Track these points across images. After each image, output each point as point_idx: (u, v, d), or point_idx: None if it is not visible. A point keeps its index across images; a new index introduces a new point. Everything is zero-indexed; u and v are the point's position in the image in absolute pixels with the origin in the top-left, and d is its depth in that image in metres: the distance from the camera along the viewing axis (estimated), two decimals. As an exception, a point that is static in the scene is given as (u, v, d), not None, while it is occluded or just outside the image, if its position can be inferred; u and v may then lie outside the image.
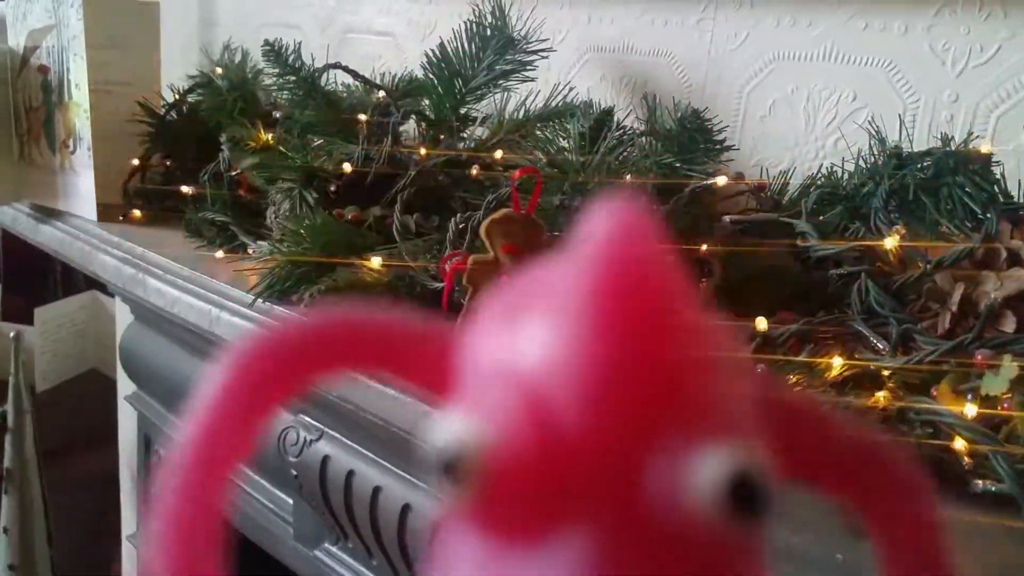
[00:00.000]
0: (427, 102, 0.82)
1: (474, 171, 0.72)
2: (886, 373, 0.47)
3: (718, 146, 0.61)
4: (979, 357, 0.43)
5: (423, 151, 0.74)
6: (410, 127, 0.85)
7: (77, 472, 1.93)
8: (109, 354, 1.87)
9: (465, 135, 0.79)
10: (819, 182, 0.61)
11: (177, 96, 0.95)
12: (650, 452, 0.13)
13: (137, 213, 1.01)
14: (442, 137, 0.78)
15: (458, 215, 0.64)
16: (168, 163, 0.95)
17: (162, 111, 0.97)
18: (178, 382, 0.97)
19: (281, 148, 0.77)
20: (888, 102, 0.69)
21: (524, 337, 0.15)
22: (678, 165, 0.60)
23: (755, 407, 0.15)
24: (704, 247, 0.58)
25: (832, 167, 0.67)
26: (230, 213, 0.83)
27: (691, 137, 0.60)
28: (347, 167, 0.73)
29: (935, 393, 0.44)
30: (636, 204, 0.15)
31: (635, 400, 0.13)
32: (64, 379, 2.02)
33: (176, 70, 1.14)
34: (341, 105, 0.81)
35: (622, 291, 0.14)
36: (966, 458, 0.42)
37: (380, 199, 0.74)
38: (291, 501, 0.89)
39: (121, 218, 0.98)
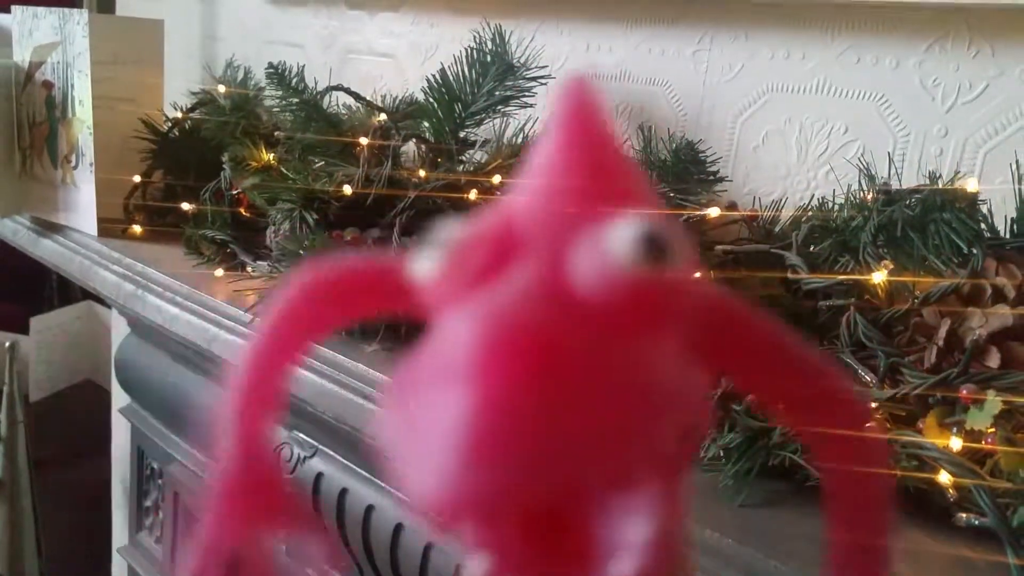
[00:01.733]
0: (427, 125, 0.84)
1: (472, 195, 0.73)
2: (873, 405, 0.48)
3: (711, 177, 0.62)
4: (964, 392, 0.44)
5: (422, 174, 0.75)
6: (409, 149, 0.87)
7: (69, 483, 1.93)
8: (104, 365, 1.88)
9: (464, 159, 0.80)
10: (810, 214, 0.62)
11: (180, 114, 0.96)
12: (577, 226, 0.17)
13: (137, 229, 1.02)
14: (440, 160, 0.79)
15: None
16: (169, 180, 0.96)
17: (164, 128, 0.98)
18: (173, 396, 0.97)
19: (282, 169, 0.78)
20: (879, 135, 0.71)
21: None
22: (672, 195, 0.61)
23: (692, 300, 0.17)
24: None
25: (823, 199, 0.68)
26: (230, 231, 0.84)
27: (685, 168, 0.61)
28: (347, 189, 0.74)
29: (921, 426, 0.45)
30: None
31: (570, 192, 0.17)
32: (58, 389, 2.02)
33: (178, 84, 1.15)
34: (342, 127, 0.82)
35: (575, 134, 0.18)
36: (951, 491, 0.43)
37: (379, 221, 0.75)
38: (284, 518, 0.89)
39: (121, 233, 0.99)
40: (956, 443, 0.43)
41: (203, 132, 0.92)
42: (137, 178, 0.98)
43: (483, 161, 0.77)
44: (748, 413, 0.48)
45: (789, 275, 0.54)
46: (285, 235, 0.75)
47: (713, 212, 0.59)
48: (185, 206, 0.90)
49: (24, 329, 1.91)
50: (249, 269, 0.77)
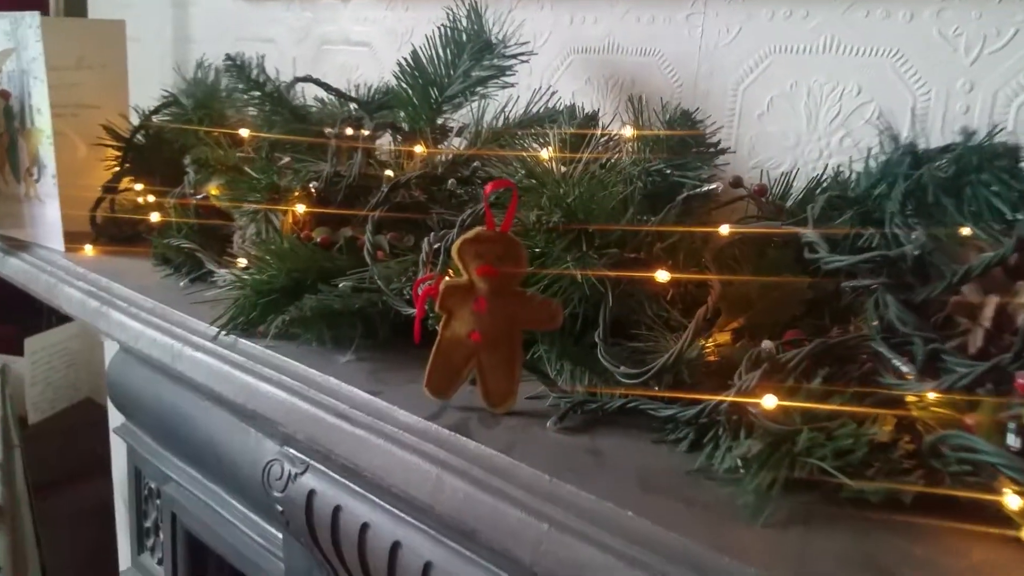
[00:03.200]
0: (403, 114, 0.77)
1: (450, 185, 0.67)
2: (912, 400, 0.41)
3: (711, 149, 0.55)
4: (1021, 380, 0.37)
5: (398, 166, 0.69)
6: (386, 141, 0.80)
7: (72, 504, 1.88)
8: (103, 382, 1.82)
9: (442, 148, 0.73)
10: (825, 184, 0.56)
11: (143, 117, 0.90)
12: None
13: (107, 242, 0.96)
14: (417, 150, 0.73)
15: (432, 234, 0.59)
16: (137, 188, 0.90)
17: (128, 134, 0.92)
18: (167, 414, 0.92)
19: (246, 169, 0.72)
20: (896, 95, 0.64)
21: None
22: (668, 171, 0.55)
23: None
24: (701, 261, 0.53)
25: (839, 168, 0.61)
26: (197, 239, 0.78)
27: (681, 140, 0.55)
28: (315, 187, 0.68)
29: (970, 423, 0.39)
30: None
31: None
32: (57, 409, 1.97)
33: (152, 90, 1.09)
34: (311, 120, 0.76)
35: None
36: (1015, 499, 0.36)
37: (352, 219, 0.69)
38: (280, 535, 0.84)
39: (90, 247, 0.94)
40: (1015, 441, 0.37)
41: (166, 135, 0.86)
42: (100, 189, 0.92)
43: (462, 148, 0.71)
44: (768, 416, 0.42)
45: (807, 254, 0.47)
46: (252, 239, 0.69)
47: (715, 186, 0.52)
48: (151, 215, 0.84)
49: (19, 350, 1.86)
50: (216, 278, 0.71)
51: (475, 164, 0.66)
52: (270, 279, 0.64)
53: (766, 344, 0.44)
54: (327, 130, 0.69)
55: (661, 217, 0.51)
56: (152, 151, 0.91)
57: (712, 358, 0.48)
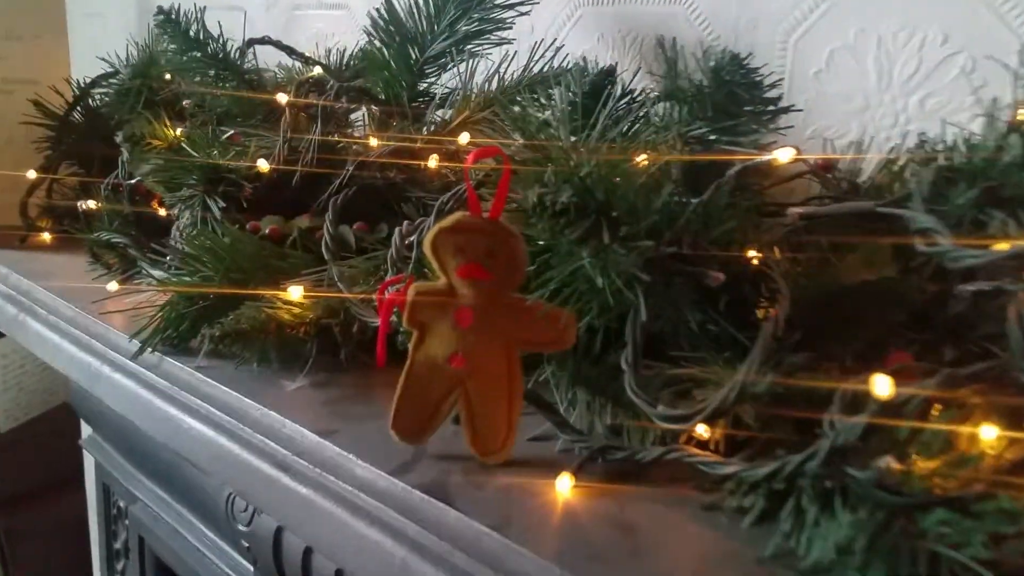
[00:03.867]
0: (382, 81, 0.63)
1: (433, 163, 0.53)
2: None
3: (772, 106, 0.42)
4: None
5: (370, 141, 0.55)
6: (359, 116, 0.67)
7: (47, 518, 1.76)
8: (75, 388, 1.70)
9: (425, 118, 0.60)
10: (918, 157, 0.42)
11: (77, 91, 0.77)
12: None
13: (45, 236, 0.83)
14: (394, 123, 0.60)
15: (405, 223, 0.46)
16: (72, 173, 0.77)
17: (62, 111, 0.78)
18: (131, 425, 0.79)
19: (184, 146, 0.59)
20: (994, 42, 0.50)
21: None
22: (713, 137, 0.41)
23: None
24: (760, 256, 0.39)
25: (922, 136, 0.47)
26: (134, 232, 0.65)
27: (731, 95, 0.41)
28: (263, 165, 0.55)
29: None
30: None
31: None
32: (32, 416, 1.85)
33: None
34: (265, 88, 0.62)
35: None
36: None
37: (311, 206, 0.55)
38: (252, 568, 0.71)
39: (20, 242, 0.80)
40: None
41: (102, 110, 0.72)
42: (33, 174, 0.79)
43: (448, 118, 0.57)
44: (881, 480, 0.28)
45: (921, 244, 0.33)
46: (186, 233, 0.55)
47: (783, 155, 0.39)
48: (82, 204, 0.71)
49: (-15, 354, 1.74)
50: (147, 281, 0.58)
51: (463, 136, 0.53)
52: (204, 281, 0.50)
53: (876, 380, 0.30)
54: (279, 95, 0.55)
55: (708, 196, 0.37)
56: (89, 131, 0.78)
57: (784, 391, 0.35)
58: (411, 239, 0.45)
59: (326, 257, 0.50)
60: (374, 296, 0.46)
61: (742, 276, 0.38)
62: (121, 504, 1.06)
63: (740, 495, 0.35)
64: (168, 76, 0.67)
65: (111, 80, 0.77)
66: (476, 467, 0.38)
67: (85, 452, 1.33)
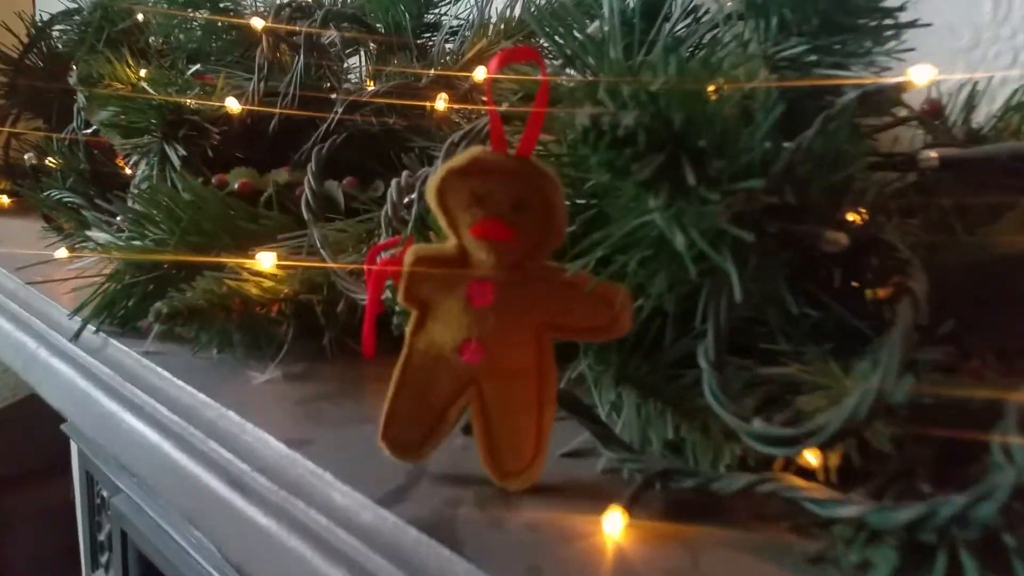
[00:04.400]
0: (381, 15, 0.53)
1: (441, 104, 0.43)
2: None
3: (894, 21, 0.31)
4: None
5: (363, 79, 0.45)
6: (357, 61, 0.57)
7: (34, 502, 1.69)
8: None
9: (432, 54, 0.50)
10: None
11: (32, 31, 0.67)
12: None
13: (3, 199, 0.74)
14: (395, 60, 0.49)
15: (404, 173, 0.36)
16: (27, 124, 0.68)
17: (15, 54, 0.68)
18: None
19: (144, 86, 0.49)
20: None
21: None
22: (813, 58, 0.31)
23: None
24: (866, 217, 0.29)
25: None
26: (93, 190, 0.56)
27: (839, 6, 0.31)
28: (233, 105, 0.45)
29: None
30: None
31: None
32: (20, 396, 1.77)
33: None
34: (240, 16, 0.52)
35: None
36: None
37: (290, 157, 0.45)
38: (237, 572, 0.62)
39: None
40: None
41: (61, 51, 0.63)
42: (-15, 126, 0.69)
43: (460, 50, 0.47)
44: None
45: None
46: (140, 189, 0.45)
47: (920, 74, 0.28)
48: (46, 160, 0.61)
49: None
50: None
51: (478, 71, 0.43)
52: (156, 247, 0.41)
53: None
54: (254, 20, 0.45)
55: (815, 132, 0.27)
56: (50, 76, 0.68)
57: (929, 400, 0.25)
58: (409, 198, 0.35)
59: (307, 218, 0.40)
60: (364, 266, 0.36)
61: (858, 244, 0.28)
62: (104, 494, 0.98)
63: (860, 545, 0.25)
64: (131, 7, 0.57)
65: (74, 17, 0.67)
66: (493, 495, 0.28)
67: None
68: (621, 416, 0.31)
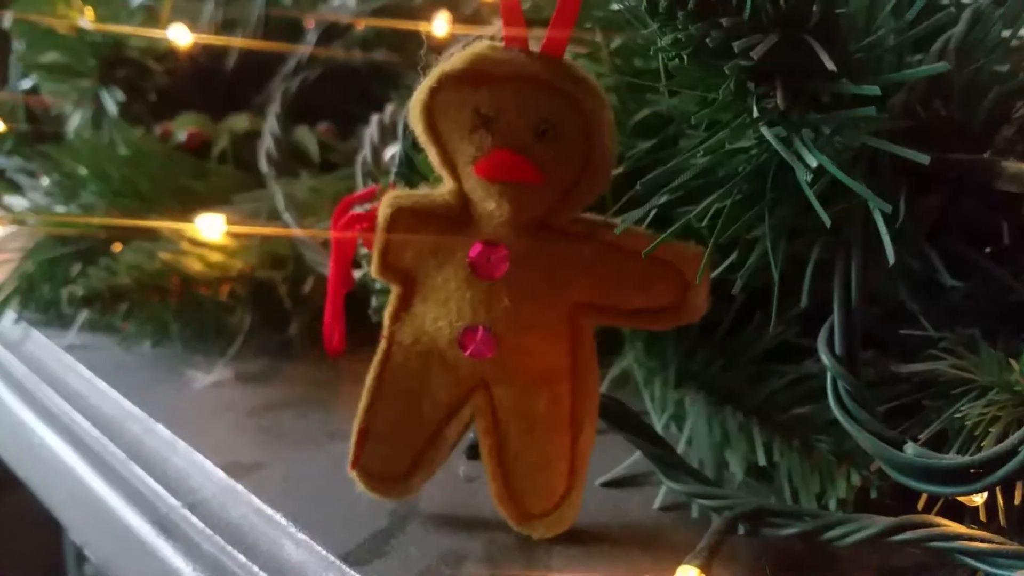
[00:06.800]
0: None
1: (441, 28, 0.35)
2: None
3: None
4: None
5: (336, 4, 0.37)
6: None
7: (23, 503, 1.63)
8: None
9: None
10: None
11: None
12: None
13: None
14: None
15: (388, 107, 0.28)
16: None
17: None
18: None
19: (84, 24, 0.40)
20: None
21: None
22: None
23: None
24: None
25: None
26: (28, 152, 0.47)
27: None
28: (182, 37, 0.36)
29: None
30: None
31: None
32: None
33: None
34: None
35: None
36: None
37: (252, 99, 0.37)
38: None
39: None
40: None
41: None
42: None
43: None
44: None
45: None
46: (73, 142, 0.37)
47: None
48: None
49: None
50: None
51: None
52: (82, 212, 0.33)
53: None
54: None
55: (966, 27, 0.18)
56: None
57: None
58: (394, 152, 0.27)
59: (265, 172, 0.31)
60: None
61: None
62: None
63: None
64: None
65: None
66: (511, 545, 0.20)
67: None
68: (684, 431, 0.23)
